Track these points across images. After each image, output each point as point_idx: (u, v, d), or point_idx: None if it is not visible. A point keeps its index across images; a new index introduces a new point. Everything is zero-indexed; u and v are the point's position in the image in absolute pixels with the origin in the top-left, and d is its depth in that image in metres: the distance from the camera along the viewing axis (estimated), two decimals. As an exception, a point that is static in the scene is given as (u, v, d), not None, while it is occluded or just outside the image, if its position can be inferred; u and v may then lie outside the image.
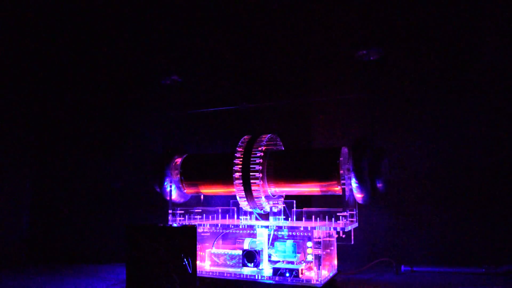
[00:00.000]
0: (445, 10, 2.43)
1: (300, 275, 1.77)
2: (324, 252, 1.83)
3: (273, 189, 2.03)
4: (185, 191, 2.25)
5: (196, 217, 2.20)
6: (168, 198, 2.21)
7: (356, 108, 2.58)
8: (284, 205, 2.07)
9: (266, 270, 1.87)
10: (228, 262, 1.96)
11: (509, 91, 2.32)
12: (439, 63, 2.45)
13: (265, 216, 2.07)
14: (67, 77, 3.07)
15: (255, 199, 1.98)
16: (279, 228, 1.93)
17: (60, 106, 3.07)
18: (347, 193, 1.84)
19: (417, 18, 2.48)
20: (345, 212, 1.83)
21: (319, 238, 1.80)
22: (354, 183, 1.79)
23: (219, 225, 2.03)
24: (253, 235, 1.99)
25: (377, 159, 1.82)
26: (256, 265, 1.88)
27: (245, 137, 2.12)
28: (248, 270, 1.89)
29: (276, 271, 1.80)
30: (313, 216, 1.93)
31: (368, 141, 1.86)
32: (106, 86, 3.02)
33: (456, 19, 2.42)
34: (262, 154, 1.99)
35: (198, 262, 1.93)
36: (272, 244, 1.92)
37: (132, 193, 2.85)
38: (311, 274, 1.80)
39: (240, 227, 2.00)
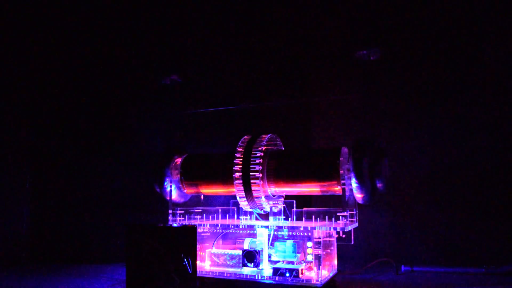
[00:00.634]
0: (445, 10, 2.44)
1: (300, 275, 1.77)
2: (324, 252, 1.83)
3: (273, 189, 2.03)
4: (185, 191, 2.25)
5: (196, 217, 2.20)
6: (168, 198, 2.21)
7: (356, 108, 2.58)
8: (284, 205, 2.07)
9: (266, 270, 1.87)
10: (228, 262, 1.96)
11: (509, 91, 2.32)
12: (439, 63, 2.45)
13: (265, 216, 2.07)
14: (67, 77, 3.07)
15: (255, 199, 1.98)
16: (279, 228, 1.93)
17: (60, 106, 3.07)
18: (347, 193, 1.84)
19: (417, 18, 2.48)
20: (345, 212, 1.83)
21: (319, 238, 1.80)
22: (354, 183, 1.79)
23: (219, 225, 2.03)
24: (253, 235, 1.99)
25: (377, 159, 1.82)
26: (256, 265, 1.88)
27: (245, 137, 2.12)
28: (248, 270, 1.89)
29: (276, 271, 1.80)
30: (313, 216, 1.92)
31: (368, 141, 1.86)
32: (106, 86, 3.02)
33: (456, 19, 2.42)
34: (262, 154, 1.99)
35: (198, 262, 1.93)
36: (272, 244, 1.92)
37: (132, 193, 2.85)
38: (311, 274, 1.80)
39: (240, 227, 2.00)
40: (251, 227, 1.98)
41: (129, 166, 2.90)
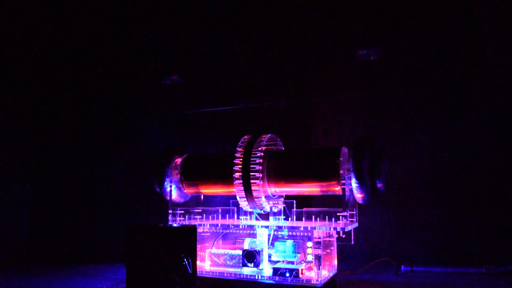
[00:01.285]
0: (445, 10, 2.44)
1: (300, 275, 1.77)
2: (324, 252, 1.83)
3: (273, 189, 2.03)
4: (185, 191, 2.25)
5: (196, 217, 2.20)
6: (168, 198, 2.21)
7: (356, 108, 2.58)
8: (284, 205, 2.07)
9: (266, 270, 1.87)
10: (228, 262, 1.96)
11: (509, 91, 2.32)
12: (439, 63, 2.45)
13: (265, 216, 2.07)
14: (67, 77, 3.07)
15: (255, 199, 1.98)
16: (279, 228, 1.93)
17: (60, 106, 3.07)
18: (347, 193, 1.84)
19: (417, 18, 2.48)
20: (345, 212, 1.83)
21: (319, 238, 1.80)
22: (354, 183, 1.79)
23: (219, 225, 2.03)
24: (253, 235, 1.99)
25: (377, 159, 1.82)
26: (256, 265, 1.88)
27: (245, 137, 2.12)
28: (248, 270, 1.89)
29: (276, 271, 1.80)
30: (313, 216, 1.92)
31: (368, 141, 1.86)
32: (106, 86, 3.02)
33: (456, 19, 2.42)
34: (262, 154, 1.99)
35: (198, 262, 1.93)
36: (272, 244, 1.92)
37: (132, 193, 2.86)
38: (311, 274, 1.80)
39: (240, 227, 2.00)
40: (251, 227, 1.98)
41: (129, 166, 2.90)
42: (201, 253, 2.03)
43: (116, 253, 2.69)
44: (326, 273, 1.84)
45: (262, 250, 1.91)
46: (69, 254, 2.85)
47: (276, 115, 2.73)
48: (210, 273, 1.95)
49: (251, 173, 1.96)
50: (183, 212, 2.19)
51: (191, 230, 1.71)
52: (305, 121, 2.68)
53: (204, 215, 2.22)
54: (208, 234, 2.08)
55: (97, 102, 3.02)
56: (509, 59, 2.32)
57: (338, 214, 1.84)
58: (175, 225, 2.03)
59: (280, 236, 1.93)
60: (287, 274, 1.77)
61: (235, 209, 2.17)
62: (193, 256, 1.68)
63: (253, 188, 1.96)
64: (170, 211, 2.19)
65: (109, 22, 2.93)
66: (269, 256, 1.91)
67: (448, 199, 2.37)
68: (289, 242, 1.88)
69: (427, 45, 2.47)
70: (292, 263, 1.84)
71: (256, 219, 2.09)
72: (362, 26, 2.56)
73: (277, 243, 1.91)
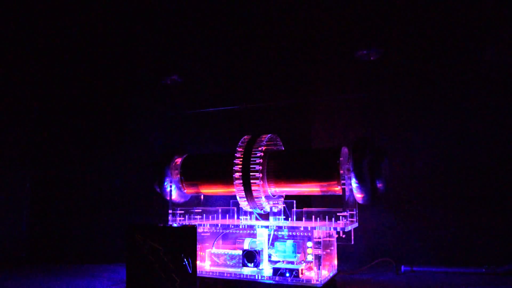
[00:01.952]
0: (445, 10, 2.44)
1: (300, 275, 1.77)
2: (324, 252, 1.83)
3: (273, 189, 2.03)
4: (185, 191, 2.25)
5: (196, 217, 2.20)
6: (168, 198, 2.21)
7: (356, 108, 2.58)
8: (284, 205, 2.07)
9: (266, 270, 1.87)
10: (228, 262, 1.96)
11: (509, 91, 2.32)
12: (439, 63, 2.45)
13: (265, 216, 2.07)
14: (67, 77, 3.07)
15: (255, 199, 1.98)
16: (279, 228, 1.93)
17: (60, 106, 3.07)
18: (347, 193, 1.84)
19: (417, 18, 2.48)
20: (345, 212, 1.83)
21: (319, 238, 1.80)
22: (354, 183, 1.79)
23: (219, 225, 2.03)
24: (253, 235, 1.99)
25: (377, 159, 1.82)
26: (256, 265, 1.88)
27: (245, 137, 2.12)
28: (248, 270, 1.89)
29: (276, 271, 1.80)
30: (313, 216, 1.92)
31: (368, 141, 1.86)
32: (106, 86, 3.02)
33: (456, 19, 2.42)
34: (262, 154, 1.99)
35: (198, 262, 1.93)
36: (272, 244, 1.92)
37: (132, 193, 2.85)
38: (311, 274, 1.80)
39: (240, 227, 2.00)
40: (251, 227, 1.98)
41: (129, 166, 2.90)
42: (201, 253, 2.03)
43: (116, 253, 2.69)
44: (326, 273, 1.84)
45: (262, 250, 1.91)
46: (69, 254, 2.85)
47: (276, 115, 2.73)
48: (210, 273, 1.95)
49: (251, 173, 1.96)
50: (183, 212, 2.19)
51: (191, 230, 1.71)
52: (305, 121, 2.68)
53: (204, 215, 2.22)
54: (208, 234, 2.08)
55: (97, 102, 3.02)
56: (509, 58, 2.32)
57: (338, 214, 1.84)
58: (175, 225, 2.03)
59: (280, 236, 1.93)
60: (287, 274, 1.77)
61: (235, 209, 2.17)
62: (193, 256, 1.68)
63: (253, 188, 1.96)
64: (170, 211, 2.19)
65: (109, 22, 2.93)
66: (269, 256, 1.91)
67: (448, 199, 2.37)
68: (289, 242, 1.88)
69: (427, 45, 2.47)
70: (292, 263, 1.84)
71: (256, 219, 2.09)
72: (362, 26, 2.56)
73: (277, 243, 1.91)
